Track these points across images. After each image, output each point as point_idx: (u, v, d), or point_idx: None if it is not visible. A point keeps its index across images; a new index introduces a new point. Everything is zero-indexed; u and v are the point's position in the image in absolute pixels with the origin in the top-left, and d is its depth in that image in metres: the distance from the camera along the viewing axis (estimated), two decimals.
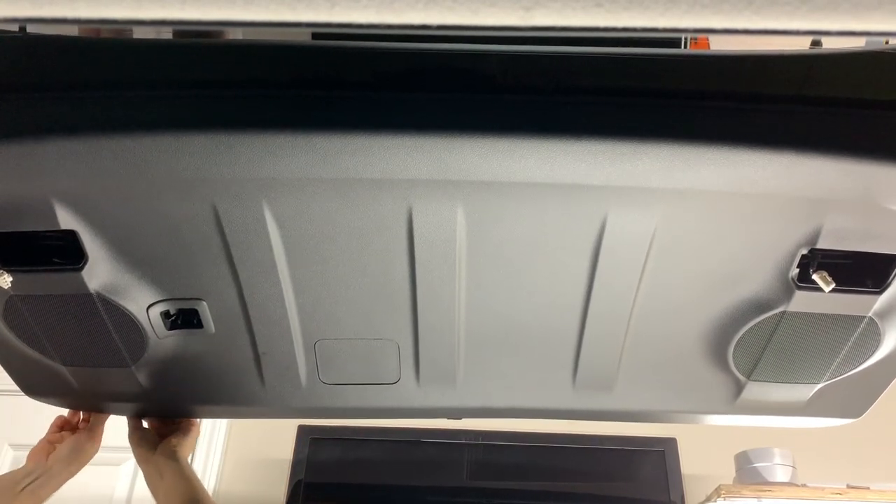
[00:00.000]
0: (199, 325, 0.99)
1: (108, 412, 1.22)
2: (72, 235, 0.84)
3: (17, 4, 0.29)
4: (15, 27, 0.78)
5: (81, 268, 0.86)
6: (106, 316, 0.93)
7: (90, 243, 0.86)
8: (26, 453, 2.66)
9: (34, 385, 1.10)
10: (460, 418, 1.19)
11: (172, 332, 0.99)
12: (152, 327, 0.97)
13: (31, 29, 0.80)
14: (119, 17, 0.30)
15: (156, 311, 0.96)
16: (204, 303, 0.96)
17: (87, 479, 2.52)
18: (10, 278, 0.84)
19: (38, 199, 0.80)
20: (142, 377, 1.05)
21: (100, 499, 2.47)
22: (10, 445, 2.48)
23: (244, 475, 2.52)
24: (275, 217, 0.84)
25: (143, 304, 0.94)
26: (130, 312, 0.94)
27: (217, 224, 0.84)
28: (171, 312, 0.98)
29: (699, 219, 0.84)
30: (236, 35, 0.94)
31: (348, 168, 0.77)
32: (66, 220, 0.82)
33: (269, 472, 2.48)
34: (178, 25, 0.31)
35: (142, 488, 2.47)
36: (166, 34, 0.92)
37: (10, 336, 0.98)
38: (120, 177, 0.77)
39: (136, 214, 0.84)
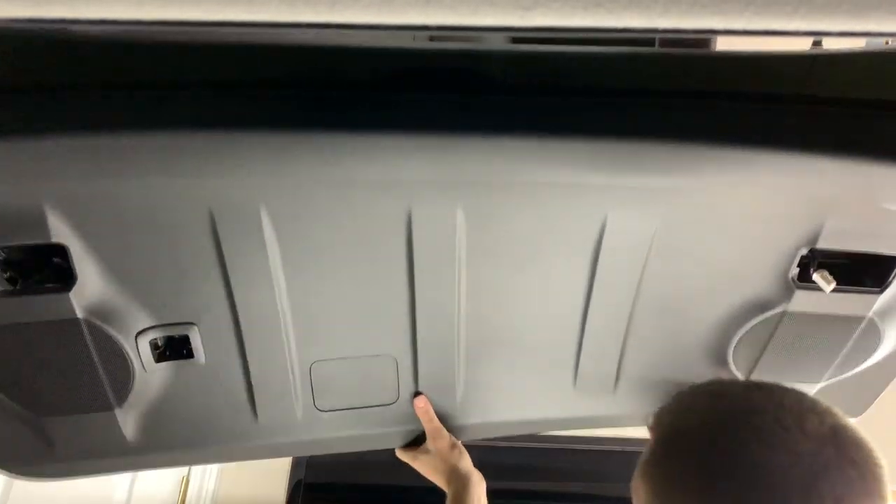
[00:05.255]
0: (190, 355, 0.93)
1: (90, 474, 1.07)
2: (61, 252, 0.81)
3: (17, 4, 0.29)
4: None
5: (70, 288, 0.82)
6: (92, 346, 0.87)
7: (80, 260, 0.82)
8: None
9: (6, 452, 0.98)
10: (461, 438, 1.14)
11: (161, 364, 0.94)
12: (140, 359, 0.91)
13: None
14: (119, 17, 0.30)
15: (145, 340, 0.90)
16: (196, 327, 0.91)
17: (87, 479, 2.51)
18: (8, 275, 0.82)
19: (30, 204, 0.78)
20: (127, 424, 0.97)
21: (100, 499, 2.46)
22: None
23: (244, 475, 2.52)
24: (272, 222, 0.83)
25: (132, 330, 0.89)
26: (118, 341, 0.88)
27: (212, 232, 0.82)
28: (160, 343, 0.93)
29: (699, 219, 0.84)
30: (236, 35, 0.94)
31: (347, 169, 0.77)
32: (58, 229, 0.79)
33: (269, 473, 2.48)
34: (178, 26, 0.31)
35: (142, 488, 2.47)
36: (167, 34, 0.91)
37: None
38: (115, 177, 0.76)
39: (130, 222, 0.81)
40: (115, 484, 2.47)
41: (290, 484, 2.45)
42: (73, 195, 0.78)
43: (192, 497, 2.44)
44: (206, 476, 2.48)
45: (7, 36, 0.77)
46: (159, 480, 2.47)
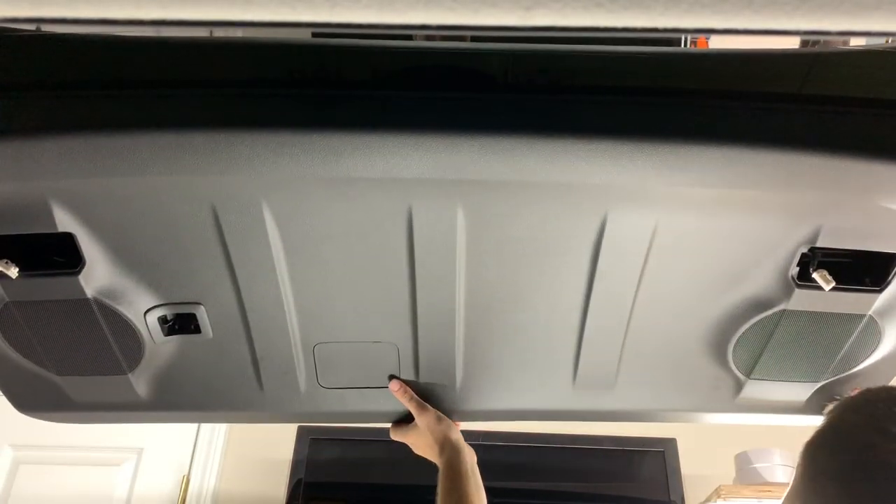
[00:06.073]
0: (197, 330, 0.97)
1: (105, 422, 1.18)
2: (69, 238, 0.83)
3: (17, 4, 0.29)
4: (32, 26, 0.78)
5: (79, 271, 0.85)
6: (103, 322, 0.92)
7: (88, 246, 0.85)
8: (26, 453, 2.64)
9: (28, 399, 1.07)
10: (460, 422, 1.18)
11: (170, 337, 0.98)
12: (150, 333, 0.96)
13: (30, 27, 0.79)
14: (119, 17, 0.30)
15: (153, 317, 0.95)
16: (202, 307, 0.95)
17: (87, 479, 2.51)
18: (17, 269, 0.84)
19: (35, 199, 0.79)
20: (139, 385, 1.03)
21: (100, 499, 2.46)
22: (10, 445, 2.48)
23: (244, 475, 2.52)
24: (274, 217, 0.84)
25: (141, 309, 0.93)
26: (128, 318, 0.93)
27: (216, 225, 0.84)
28: (169, 318, 0.97)
29: (699, 218, 0.84)
30: (236, 34, 0.94)
31: (348, 167, 0.77)
32: (64, 222, 0.81)
33: (269, 472, 2.48)
34: (178, 25, 0.31)
35: (142, 488, 2.47)
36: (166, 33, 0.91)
37: (5, 346, 0.97)
38: (118, 176, 0.77)
39: (135, 215, 0.83)
40: (116, 483, 2.47)
41: (290, 484, 2.45)
42: (76, 192, 0.79)
43: (192, 497, 2.44)
44: (206, 475, 2.48)
45: (7, 36, 0.77)
46: (159, 480, 2.47)
